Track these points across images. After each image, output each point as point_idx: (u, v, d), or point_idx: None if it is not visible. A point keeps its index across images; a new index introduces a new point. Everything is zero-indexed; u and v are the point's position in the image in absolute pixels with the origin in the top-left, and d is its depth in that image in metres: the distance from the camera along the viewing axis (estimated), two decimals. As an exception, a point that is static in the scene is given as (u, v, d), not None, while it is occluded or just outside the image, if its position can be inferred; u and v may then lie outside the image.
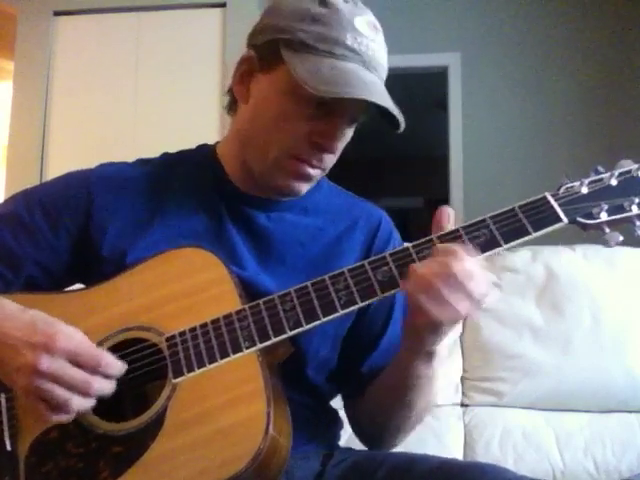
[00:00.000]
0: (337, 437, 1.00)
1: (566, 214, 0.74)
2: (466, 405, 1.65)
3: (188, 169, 0.95)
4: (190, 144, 1.03)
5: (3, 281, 0.88)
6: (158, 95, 3.47)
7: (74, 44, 3.59)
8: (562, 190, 0.76)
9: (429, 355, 0.79)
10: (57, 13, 3.59)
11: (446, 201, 3.93)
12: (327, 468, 0.87)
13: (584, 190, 0.75)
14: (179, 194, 0.92)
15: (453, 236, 0.74)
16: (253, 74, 0.87)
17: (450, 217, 0.76)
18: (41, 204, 0.90)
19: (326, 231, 0.95)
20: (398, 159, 6.86)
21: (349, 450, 0.95)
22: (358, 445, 0.99)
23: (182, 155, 0.99)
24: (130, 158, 1.00)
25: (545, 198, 0.75)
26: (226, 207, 0.92)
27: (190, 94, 3.41)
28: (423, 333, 0.75)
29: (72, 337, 0.72)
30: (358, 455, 0.90)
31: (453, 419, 1.61)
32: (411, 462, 0.81)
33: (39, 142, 3.47)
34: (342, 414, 1.02)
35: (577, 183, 0.76)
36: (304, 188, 0.89)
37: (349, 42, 0.80)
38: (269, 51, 0.84)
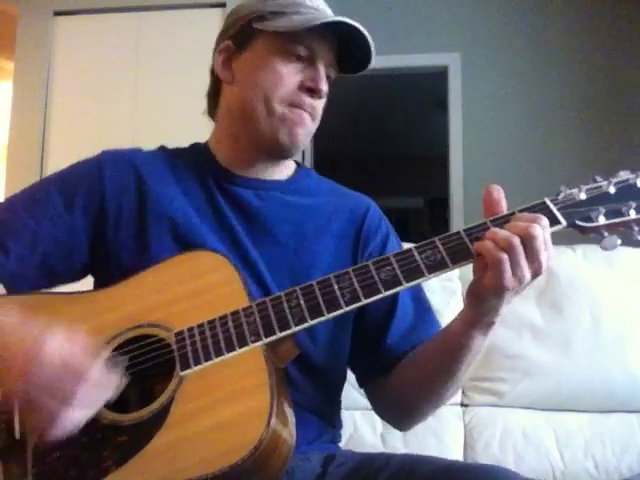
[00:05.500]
0: (338, 438, 1.00)
1: (565, 217, 0.76)
2: (466, 405, 1.65)
3: (184, 161, 1.01)
4: (190, 143, 1.06)
5: (19, 259, 0.89)
6: (158, 95, 3.48)
7: (74, 44, 3.59)
8: (561, 196, 0.78)
9: (489, 326, 0.81)
10: (57, 13, 3.59)
11: (446, 201, 3.93)
12: (328, 470, 0.87)
13: (582, 196, 0.77)
14: (176, 175, 0.99)
15: (455, 237, 0.77)
16: (232, 57, 0.98)
17: (500, 192, 0.78)
18: (56, 185, 0.96)
19: (314, 210, 1.00)
20: (398, 159, 6.87)
21: (350, 452, 0.95)
22: (357, 446, 0.99)
23: (177, 150, 1.05)
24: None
25: (544, 202, 0.77)
26: (217, 186, 0.98)
27: (190, 94, 3.40)
28: (487, 297, 0.76)
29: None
30: (360, 457, 0.90)
31: (453, 419, 1.61)
32: (414, 464, 0.81)
33: (39, 142, 3.47)
34: (345, 417, 1.02)
35: (575, 190, 0.78)
36: (303, 138, 0.96)
37: (309, 3, 0.94)
38: (243, 33, 0.96)
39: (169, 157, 1.02)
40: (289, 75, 0.93)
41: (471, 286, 0.78)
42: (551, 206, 0.77)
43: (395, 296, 0.96)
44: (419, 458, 0.85)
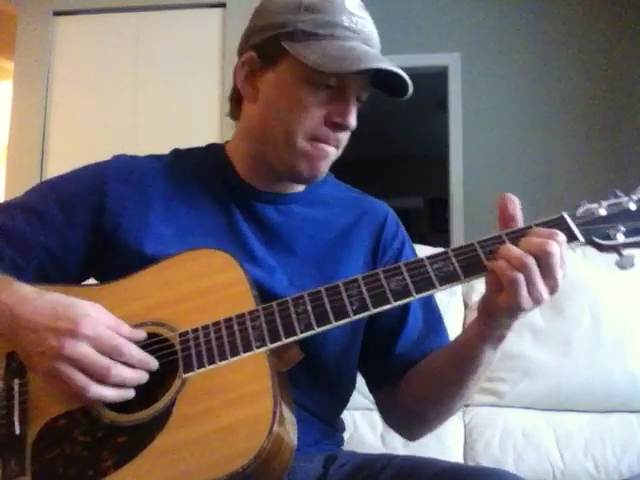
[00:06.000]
0: (341, 442, 1.00)
1: (582, 234, 0.74)
2: (466, 405, 1.65)
3: (198, 166, 0.97)
4: (190, 143, 1.04)
5: (14, 266, 0.88)
6: (158, 95, 3.48)
7: (74, 44, 3.59)
8: (580, 211, 0.75)
9: (500, 340, 0.79)
10: (57, 13, 3.60)
11: (446, 201, 3.93)
12: (329, 471, 0.86)
13: (602, 212, 0.75)
14: (190, 190, 0.94)
15: (469, 249, 0.75)
16: (257, 73, 0.90)
17: (516, 205, 0.75)
18: (56, 194, 0.92)
19: (334, 223, 0.97)
20: (398, 159, 6.86)
21: (351, 453, 0.94)
22: (357, 446, 0.99)
23: (192, 152, 1.01)
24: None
25: (562, 217, 0.75)
26: (236, 202, 0.94)
27: (190, 94, 3.41)
28: (501, 316, 0.74)
29: (96, 322, 0.72)
30: (361, 458, 0.90)
31: (453, 419, 1.59)
32: (415, 466, 0.81)
33: (39, 142, 3.47)
34: (345, 417, 1.02)
35: (595, 205, 0.75)
36: (325, 168, 0.91)
37: (346, 23, 0.85)
38: (270, 48, 0.87)
39: (182, 166, 0.97)
40: (315, 107, 0.85)
41: (484, 301, 0.76)
42: (569, 221, 0.74)
43: (407, 304, 0.94)
44: (420, 460, 0.84)
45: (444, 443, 1.55)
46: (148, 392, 0.77)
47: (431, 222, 6.94)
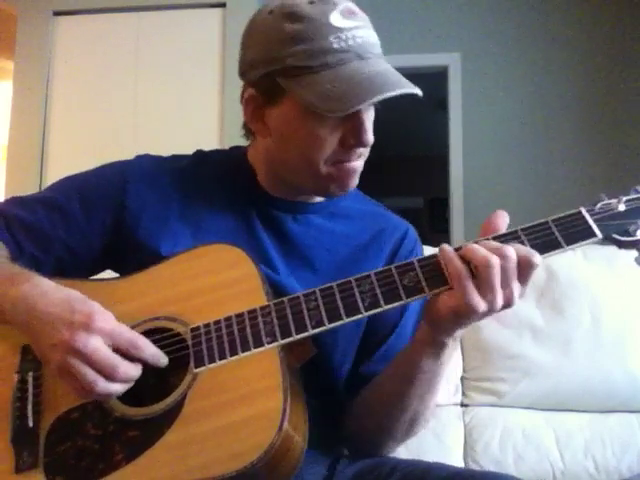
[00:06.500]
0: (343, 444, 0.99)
1: (601, 230, 0.72)
2: (466, 405, 1.65)
3: (220, 169, 0.97)
4: (190, 144, 1.04)
5: (33, 260, 0.90)
6: (158, 95, 3.47)
7: (74, 44, 3.59)
8: (598, 206, 0.74)
9: (441, 347, 0.78)
10: (57, 13, 3.59)
11: (446, 201, 3.93)
12: (336, 472, 0.86)
13: (621, 207, 0.73)
14: (210, 193, 0.95)
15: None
16: (262, 110, 0.87)
17: (505, 221, 0.74)
18: (78, 190, 0.93)
19: (352, 237, 0.96)
20: (398, 159, 6.86)
21: (357, 456, 0.94)
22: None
23: (214, 155, 1.01)
24: (130, 158, 1.00)
25: (580, 213, 0.73)
26: (255, 209, 0.94)
27: (190, 94, 3.41)
28: (446, 319, 0.73)
29: (109, 318, 0.73)
30: (367, 461, 0.89)
31: (453, 419, 1.61)
32: (423, 471, 0.81)
33: (39, 142, 3.47)
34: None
35: (614, 200, 0.74)
36: (355, 181, 0.90)
37: (336, 45, 0.79)
38: (267, 85, 0.84)
39: (204, 168, 0.97)
40: (328, 134, 0.83)
41: (429, 301, 0.75)
42: (587, 216, 0.72)
43: (397, 322, 0.94)
44: (427, 465, 0.84)
45: (444, 443, 1.55)
46: (160, 386, 0.77)
47: (431, 222, 6.94)
